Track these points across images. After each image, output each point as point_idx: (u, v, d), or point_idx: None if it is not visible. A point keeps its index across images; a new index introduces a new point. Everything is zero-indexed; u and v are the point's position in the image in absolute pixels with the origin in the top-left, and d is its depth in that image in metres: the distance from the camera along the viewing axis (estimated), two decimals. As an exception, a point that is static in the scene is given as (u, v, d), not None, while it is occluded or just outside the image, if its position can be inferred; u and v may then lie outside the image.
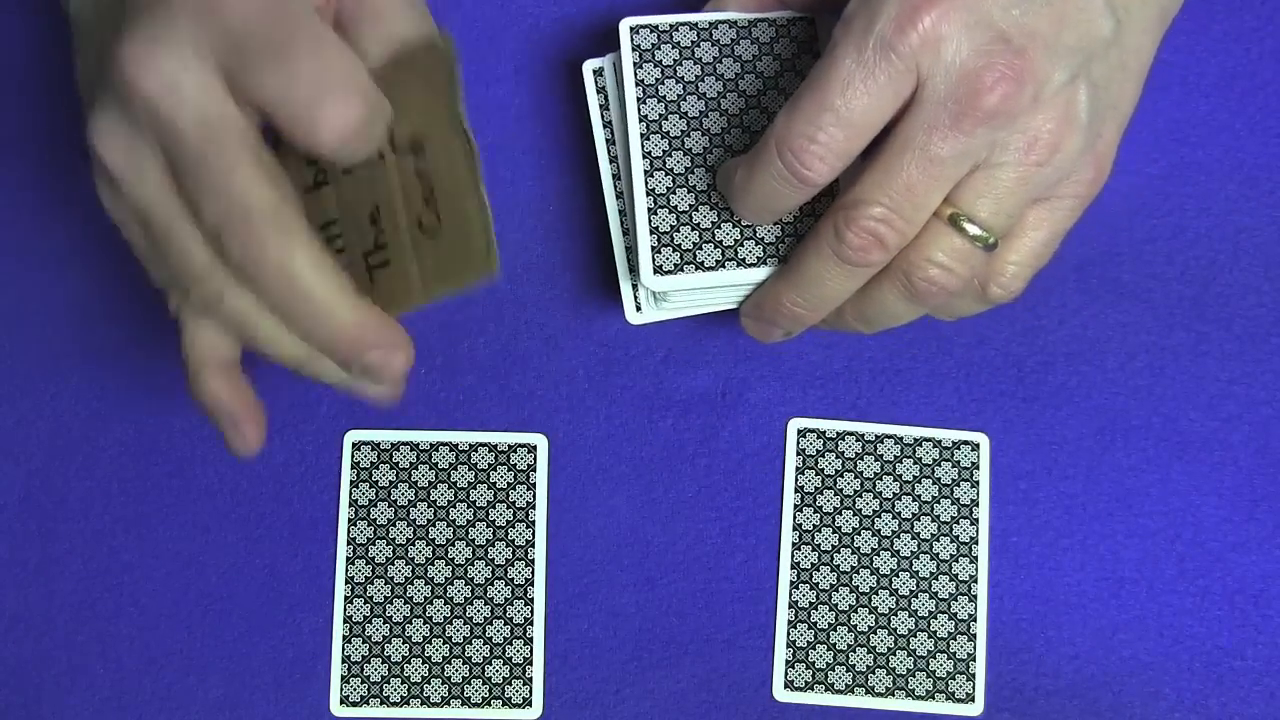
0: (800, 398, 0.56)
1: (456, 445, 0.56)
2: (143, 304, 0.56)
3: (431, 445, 0.56)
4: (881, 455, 0.56)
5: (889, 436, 0.56)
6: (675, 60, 0.46)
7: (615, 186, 0.49)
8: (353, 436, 0.56)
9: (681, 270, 0.45)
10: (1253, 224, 0.56)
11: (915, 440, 0.56)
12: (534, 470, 0.56)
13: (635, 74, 0.46)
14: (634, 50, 0.46)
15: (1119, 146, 0.45)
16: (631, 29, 0.47)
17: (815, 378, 0.56)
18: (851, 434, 0.56)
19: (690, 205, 0.46)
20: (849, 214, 0.42)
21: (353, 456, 0.56)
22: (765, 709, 0.55)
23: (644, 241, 0.45)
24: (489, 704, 0.55)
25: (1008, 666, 0.55)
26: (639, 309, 0.50)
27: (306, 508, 0.56)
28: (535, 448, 0.56)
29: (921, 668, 0.55)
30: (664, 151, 0.46)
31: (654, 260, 0.45)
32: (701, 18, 0.48)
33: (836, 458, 0.56)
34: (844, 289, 0.45)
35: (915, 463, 0.56)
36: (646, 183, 0.46)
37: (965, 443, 0.56)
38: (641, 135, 0.46)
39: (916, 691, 0.55)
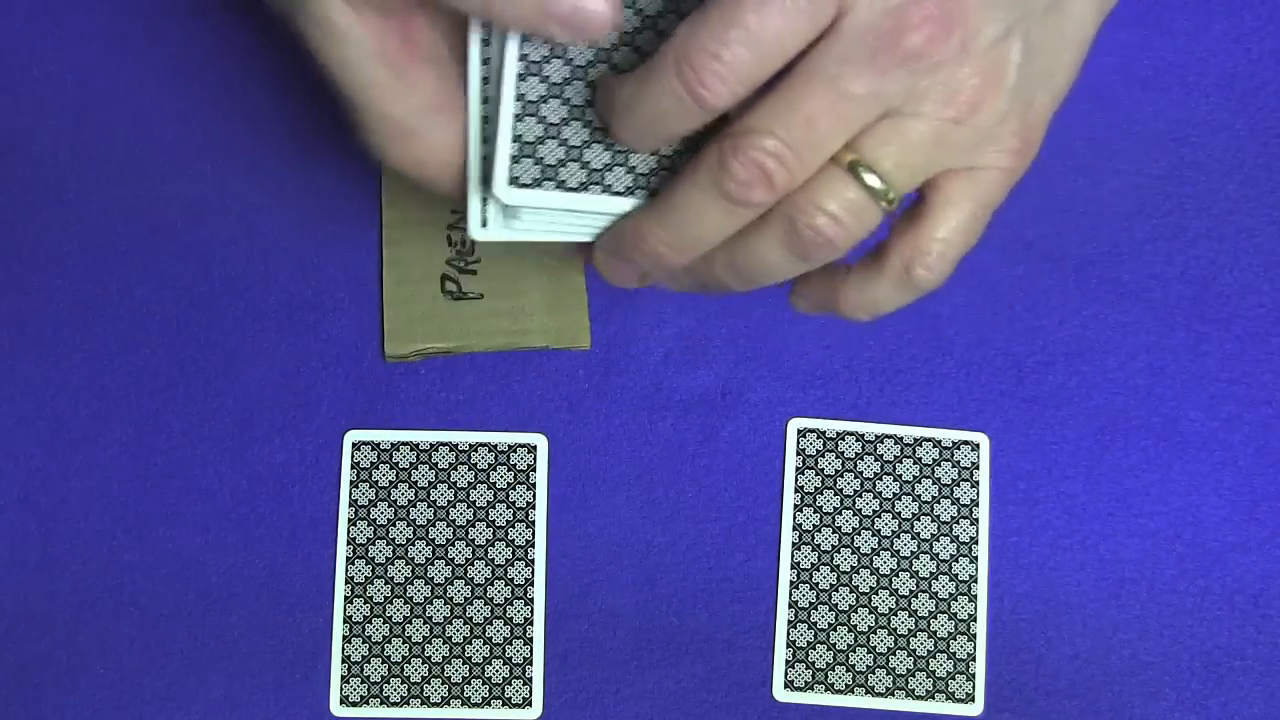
0: (800, 398, 0.56)
1: (456, 445, 0.56)
2: (143, 304, 0.56)
3: (431, 445, 0.56)
4: (881, 455, 0.56)
5: (889, 436, 0.56)
6: None
7: (483, 91, 0.44)
8: (353, 436, 0.56)
9: (539, 186, 0.41)
10: (1253, 224, 0.56)
11: (915, 440, 0.56)
12: (534, 470, 0.56)
13: None
14: None
15: (1050, 122, 0.42)
16: None
17: (815, 378, 0.56)
18: (851, 434, 0.56)
19: (561, 119, 0.41)
20: (737, 142, 0.38)
21: (353, 456, 0.56)
22: (765, 709, 0.55)
23: (504, 149, 0.41)
24: (489, 704, 0.55)
25: (1008, 666, 0.55)
26: (484, 224, 0.44)
27: (306, 508, 0.56)
28: (535, 448, 0.56)
29: (921, 668, 0.55)
30: (542, 57, 0.41)
31: (510, 170, 0.41)
32: None
33: (836, 458, 0.56)
34: (718, 229, 0.40)
35: (915, 463, 0.56)
36: (517, 87, 0.41)
37: (965, 443, 0.56)
38: (521, 37, 0.42)
39: (916, 691, 0.55)
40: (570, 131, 0.41)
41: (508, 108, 0.41)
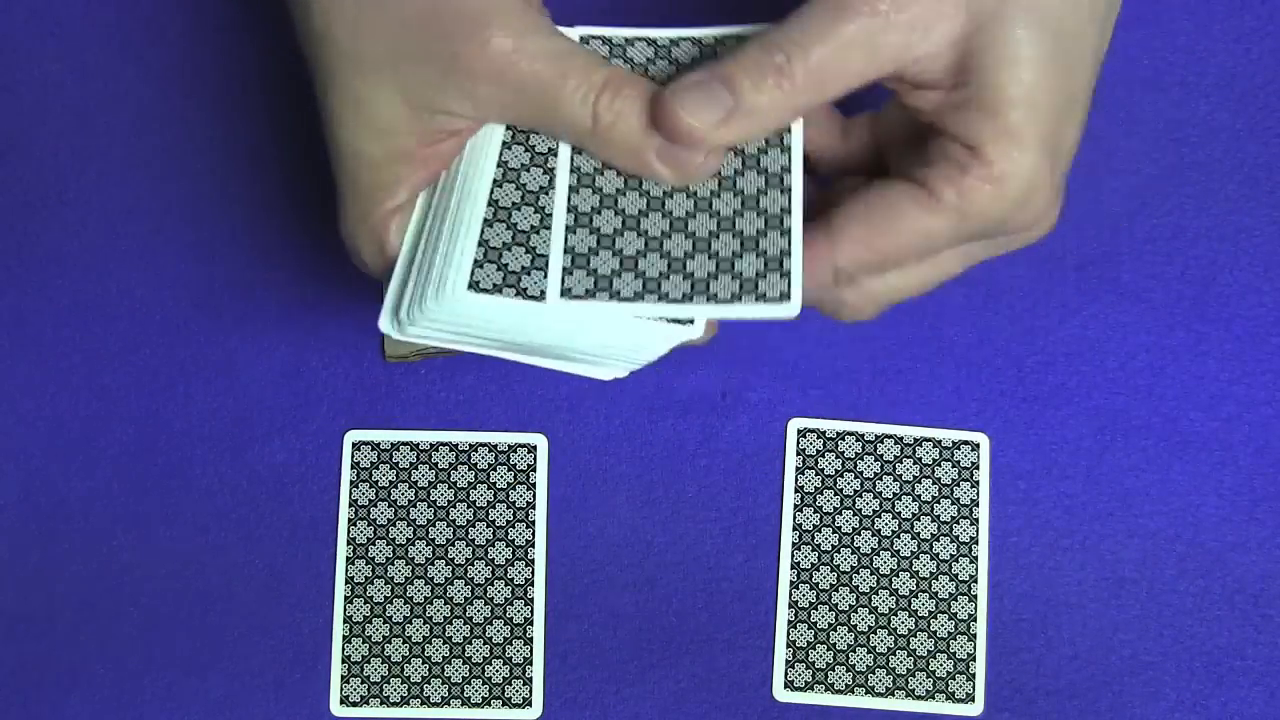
0: (800, 398, 0.56)
1: (456, 445, 0.56)
2: (143, 304, 0.56)
3: (431, 445, 0.56)
4: (881, 455, 0.56)
5: (889, 436, 0.56)
6: None
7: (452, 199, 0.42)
8: (353, 436, 0.56)
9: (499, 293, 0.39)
10: (1253, 224, 0.56)
11: (915, 440, 0.56)
12: (534, 470, 0.56)
13: None
14: None
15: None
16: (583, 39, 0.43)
17: (815, 378, 0.56)
18: (851, 434, 0.56)
19: (531, 226, 0.40)
20: (859, 291, 0.42)
21: (353, 456, 0.56)
22: (765, 709, 0.55)
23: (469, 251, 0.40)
24: (489, 704, 0.55)
25: (1008, 666, 0.55)
26: (400, 324, 0.42)
27: (306, 508, 0.56)
28: (535, 448, 0.56)
29: (921, 668, 0.55)
30: (521, 165, 0.41)
31: (472, 275, 0.39)
32: (646, 34, 0.43)
33: (836, 458, 0.56)
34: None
35: (915, 463, 0.56)
36: (492, 192, 0.41)
37: (965, 443, 0.56)
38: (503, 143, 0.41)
39: (916, 691, 0.55)
40: (538, 240, 0.40)
41: (478, 212, 0.40)
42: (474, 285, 0.39)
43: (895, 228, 0.39)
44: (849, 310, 0.42)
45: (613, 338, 0.41)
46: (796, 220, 0.39)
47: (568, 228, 0.40)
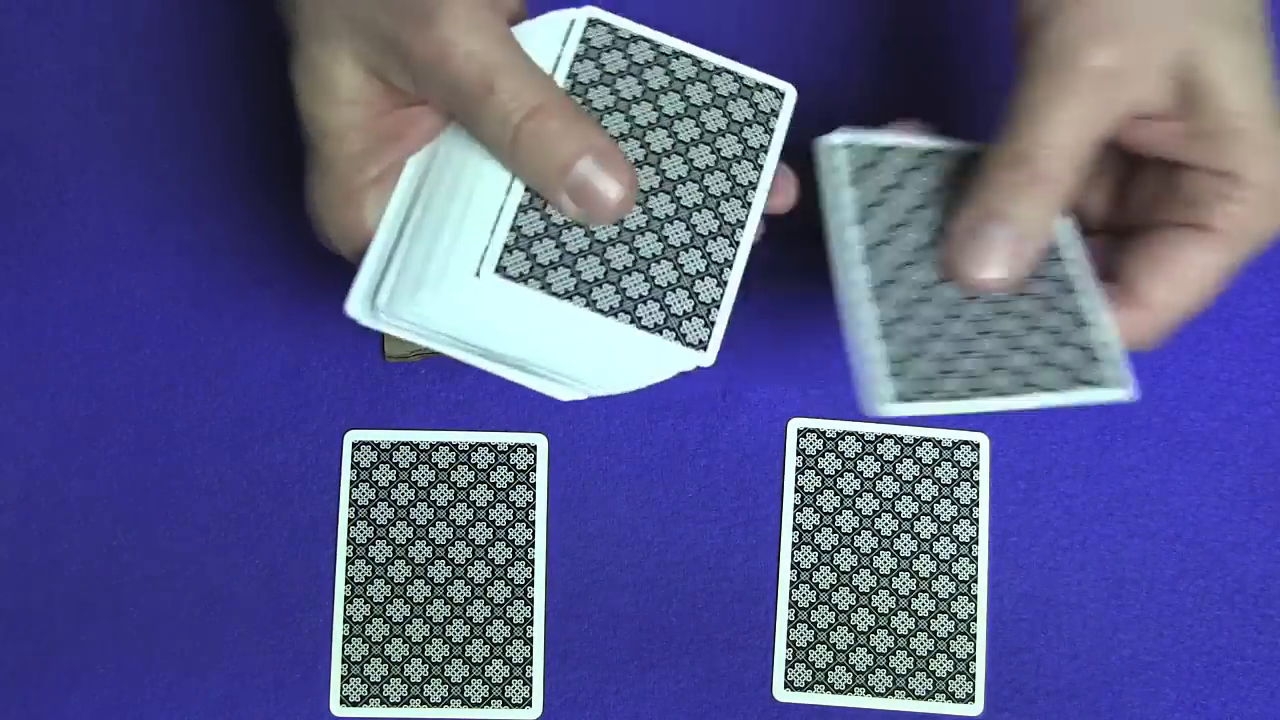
0: (800, 398, 0.56)
1: (456, 445, 0.56)
2: (143, 304, 0.56)
3: (431, 445, 0.56)
4: (881, 455, 0.56)
5: (889, 436, 0.56)
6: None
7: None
8: (353, 436, 0.56)
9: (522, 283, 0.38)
10: (1253, 224, 0.56)
11: (915, 440, 0.56)
12: (534, 470, 0.56)
13: None
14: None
15: None
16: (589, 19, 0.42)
17: (815, 378, 0.56)
18: (851, 434, 0.56)
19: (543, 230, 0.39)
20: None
21: (353, 456, 0.56)
22: (765, 709, 0.55)
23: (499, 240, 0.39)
24: (489, 704, 0.55)
25: (1008, 666, 0.55)
26: (373, 308, 0.41)
27: (306, 508, 0.56)
28: (535, 448, 0.56)
29: (921, 668, 0.55)
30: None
31: (500, 260, 0.38)
32: (653, 36, 0.42)
33: (836, 458, 0.56)
34: None
35: (915, 463, 0.56)
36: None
37: (965, 443, 0.56)
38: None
39: (916, 691, 0.55)
40: (572, 236, 0.40)
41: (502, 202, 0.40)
42: (500, 270, 0.38)
43: (1188, 271, 0.40)
44: (1150, 347, 0.43)
45: (616, 357, 0.40)
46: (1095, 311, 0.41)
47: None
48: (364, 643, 0.55)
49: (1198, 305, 0.41)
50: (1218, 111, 0.38)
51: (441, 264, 0.39)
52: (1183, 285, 0.40)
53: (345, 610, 0.55)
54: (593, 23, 0.41)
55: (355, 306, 0.41)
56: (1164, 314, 0.41)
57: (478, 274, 0.38)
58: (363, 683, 0.55)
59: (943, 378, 0.40)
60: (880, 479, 0.56)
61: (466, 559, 0.55)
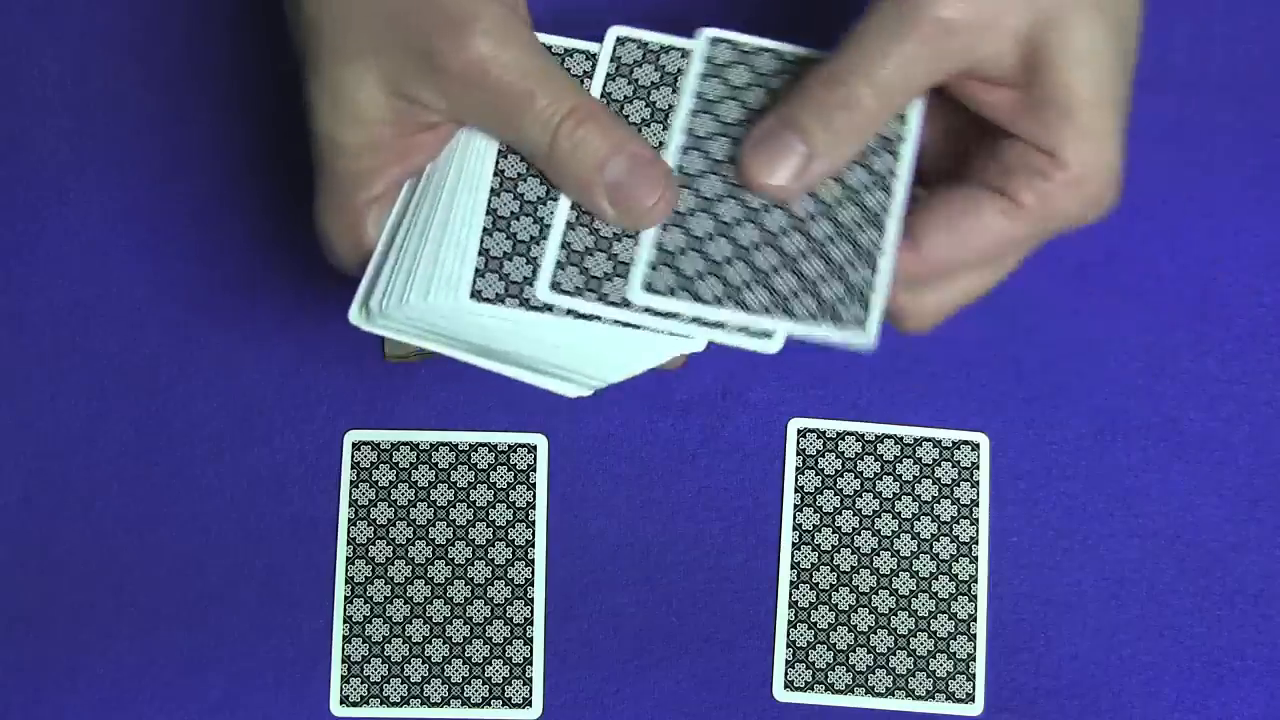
0: (800, 398, 0.56)
1: (456, 445, 0.56)
2: (142, 304, 0.56)
3: (431, 445, 0.56)
4: (881, 455, 0.56)
5: (889, 436, 0.56)
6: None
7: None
8: (353, 436, 0.56)
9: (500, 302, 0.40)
10: (1253, 224, 0.56)
11: (915, 440, 0.56)
12: (534, 470, 0.56)
13: None
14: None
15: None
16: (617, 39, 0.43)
17: (815, 378, 0.56)
18: (851, 434, 0.56)
19: (530, 238, 0.40)
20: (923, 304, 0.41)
21: (353, 456, 0.56)
22: (765, 709, 0.55)
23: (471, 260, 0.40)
24: (489, 704, 0.55)
25: (1008, 666, 0.55)
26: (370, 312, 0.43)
27: (306, 508, 0.56)
28: (535, 448, 0.56)
29: (921, 668, 0.55)
30: (518, 174, 0.41)
31: (474, 284, 0.40)
32: (682, 43, 0.43)
33: (836, 458, 0.56)
34: None
35: (915, 463, 0.56)
36: (490, 201, 0.41)
37: (965, 443, 0.56)
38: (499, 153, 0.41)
39: (916, 691, 0.55)
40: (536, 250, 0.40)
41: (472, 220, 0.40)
42: (476, 295, 0.40)
43: (978, 235, 0.39)
44: (911, 321, 0.42)
45: (604, 351, 0.41)
46: (887, 260, 0.40)
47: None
48: (364, 643, 0.55)
49: (972, 264, 0.40)
50: (1054, 87, 0.38)
51: (427, 278, 0.40)
52: (961, 240, 0.39)
53: (345, 610, 0.55)
54: (621, 40, 0.42)
55: (355, 313, 0.42)
56: (930, 263, 0.40)
57: (466, 297, 0.39)
58: (363, 683, 0.55)
59: (700, 280, 0.40)
60: (880, 479, 0.56)
61: (466, 559, 0.55)
